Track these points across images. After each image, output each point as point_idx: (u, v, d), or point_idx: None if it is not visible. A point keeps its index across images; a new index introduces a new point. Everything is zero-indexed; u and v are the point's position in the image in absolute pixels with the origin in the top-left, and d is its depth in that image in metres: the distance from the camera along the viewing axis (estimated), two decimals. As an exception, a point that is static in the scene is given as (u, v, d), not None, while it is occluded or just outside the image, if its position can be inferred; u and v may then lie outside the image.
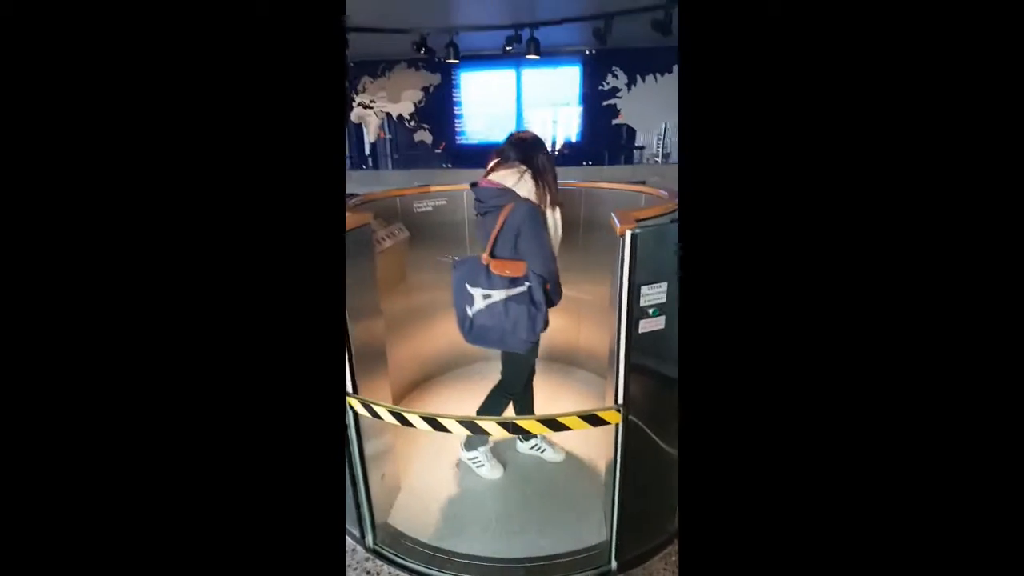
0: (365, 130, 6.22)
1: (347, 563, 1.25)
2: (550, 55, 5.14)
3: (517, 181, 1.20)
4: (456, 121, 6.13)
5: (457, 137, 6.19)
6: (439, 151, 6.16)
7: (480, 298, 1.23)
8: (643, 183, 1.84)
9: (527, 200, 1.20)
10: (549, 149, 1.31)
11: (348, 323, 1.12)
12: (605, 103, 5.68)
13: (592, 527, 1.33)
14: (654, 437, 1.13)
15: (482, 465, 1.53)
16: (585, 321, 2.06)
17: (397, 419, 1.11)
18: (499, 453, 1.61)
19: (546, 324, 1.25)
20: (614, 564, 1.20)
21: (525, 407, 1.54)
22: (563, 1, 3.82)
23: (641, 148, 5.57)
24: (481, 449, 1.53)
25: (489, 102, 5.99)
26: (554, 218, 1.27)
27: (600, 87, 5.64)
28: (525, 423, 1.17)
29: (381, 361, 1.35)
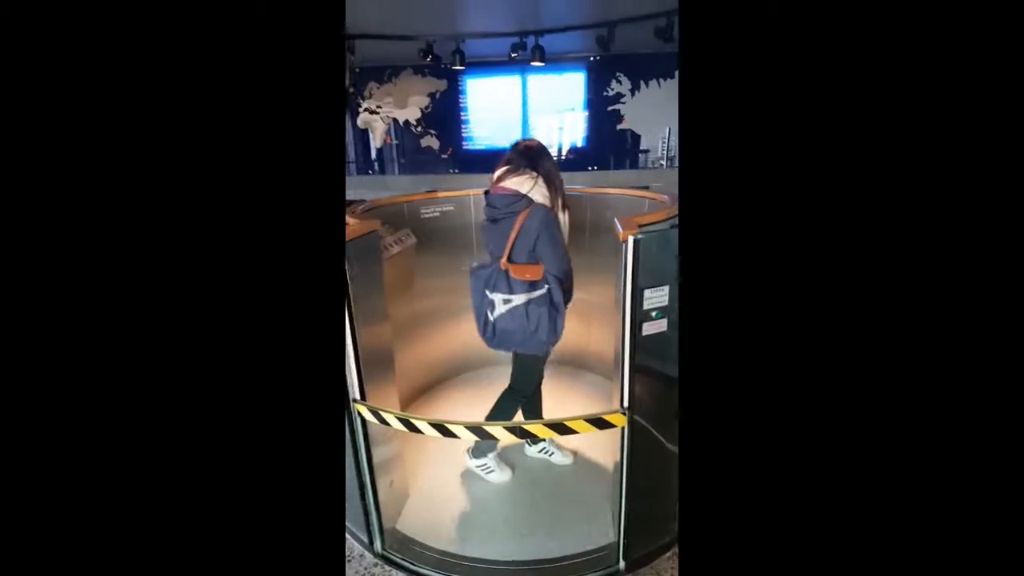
0: (371, 135, 6.30)
1: (356, 569, 1.26)
2: (555, 61, 5.19)
3: (532, 187, 1.23)
4: (463, 127, 6.19)
5: (464, 142, 6.24)
6: (446, 156, 6.22)
7: (501, 303, 1.26)
8: (647, 188, 1.86)
9: (542, 205, 1.24)
10: (555, 154, 1.35)
11: (356, 329, 1.14)
12: (609, 108, 5.71)
13: (600, 528, 1.33)
14: (660, 438, 1.14)
15: (491, 471, 1.54)
16: (594, 324, 2.07)
17: (405, 425, 1.12)
18: (507, 457, 1.62)
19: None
20: (622, 564, 1.21)
21: (534, 411, 1.55)
22: (567, 9, 3.86)
23: (646, 152, 5.59)
24: (490, 455, 1.54)
25: (495, 108, 6.04)
26: (563, 221, 1.31)
27: (604, 93, 5.67)
28: (532, 427, 1.18)
29: (389, 367, 1.36)
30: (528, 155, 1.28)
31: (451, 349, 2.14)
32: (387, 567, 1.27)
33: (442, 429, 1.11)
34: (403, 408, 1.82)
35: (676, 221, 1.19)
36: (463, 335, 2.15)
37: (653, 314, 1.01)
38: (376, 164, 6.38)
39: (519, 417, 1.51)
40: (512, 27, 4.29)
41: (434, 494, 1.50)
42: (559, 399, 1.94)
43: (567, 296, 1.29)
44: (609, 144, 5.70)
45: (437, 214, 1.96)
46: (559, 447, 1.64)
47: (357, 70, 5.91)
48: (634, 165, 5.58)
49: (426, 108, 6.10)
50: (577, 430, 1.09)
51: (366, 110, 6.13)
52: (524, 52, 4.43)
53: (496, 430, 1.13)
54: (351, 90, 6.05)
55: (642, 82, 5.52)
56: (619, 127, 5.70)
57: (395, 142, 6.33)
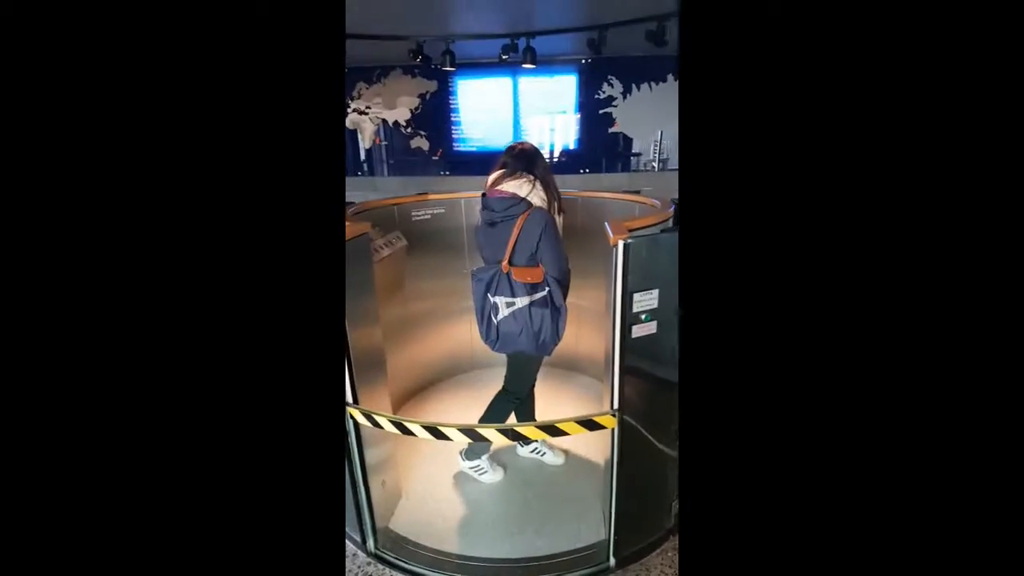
0: (360, 136, 6.25)
1: (349, 568, 1.26)
2: (546, 64, 5.21)
3: (530, 191, 1.25)
4: (453, 128, 6.18)
5: (454, 144, 6.23)
6: (436, 158, 6.21)
7: (504, 306, 1.27)
8: (638, 192, 1.89)
9: (541, 208, 1.25)
10: (547, 157, 1.38)
11: (348, 333, 1.14)
12: (601, 111, 5.75)
13: (591, 526, 1.35)
14: (649, 437, 1.16)
15: (484, 472, 1.56)
16: (585, 327, 2.09)
17: (398, 428, 1.13)
18: (499, 457, 1.64)
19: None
20: (612, 561, 1.23)
21: (527, 413, 1.57)
22: (558, 11, 3.89)
23: (638, 155, 5.65)
24: (483, 457, 1.56)
25: (486, 109, 6.04)
26: (559, 224, 1.33)
27: (596, 96, 5.71)
28: (524, 429, 1.20)
29: (380, 370, 1.37)
30: (524, 158, 1.29)
31: (443, 352, 2.15)
32: (380, 566, 1.27)
33: (435, 432, 1.12)
34: (395, 410, 1.83)
35: (666, 226, 1.22)
36: (454, 338, 2.16)
37: (643, 317, 1.03)
38: (365, 165, 6.34)
39: (512, 419, 1.53)
40: (503, 29, 4.30)
41: (427, 494, 1.51)
42: (551, 401, 1.96)
43: (563, 295, 1.31)
44: (601, 147, 5.75)
45: (428, 217, 1.97)
46: (551, 447, 1.66)
47: (346, 70, 5.87)
48: (626, 168, 5.63)
49: (416, 109, 6.08)
50: (568, 432, 1.11)
51: (355, 110, 6.08)
52: (515, 54, 4.44)
53: (488, 432, 1.15)
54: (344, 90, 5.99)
55: (634, 85, 5.57)
56: (611, 130, 5.75)
57: (384, 143, 6.29)
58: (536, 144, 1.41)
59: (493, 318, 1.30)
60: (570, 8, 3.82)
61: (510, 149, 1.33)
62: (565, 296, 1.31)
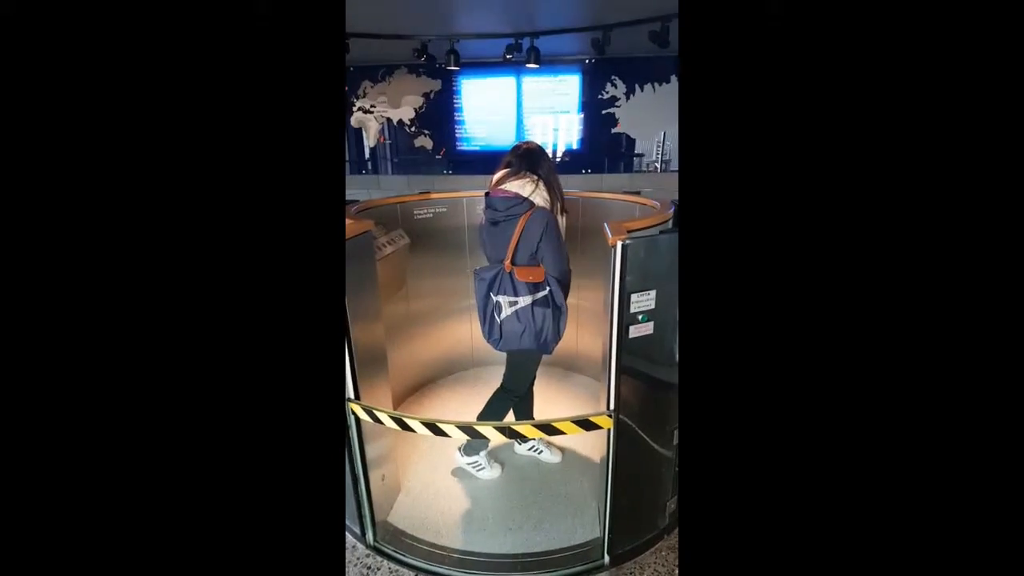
0: (365, 135, 6.28)
1: (348, 559, 1.29)
2: (550, 64, 5.22)
3: (533, 190, 1.26)
4: (457, 127, 6.20)
5: (458, 143, 6.25)
6: (439, 157, 6.23)
7: (507, 305, 1.28)
8: (638, 193, 1.90)
9: (544, 208, 1.26)
10: (550, 157, 1.38)
11: (350, 329, 1.16)
12: (604, 112, 5.76)
13: (587, 524, 1.37)
14: (645, 437, 1.18)
15: (482, 468, 1.58)
16: (584, 327, 2.11)
17: (399, 424, 1.15)
18: (497, 455, 1.66)
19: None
20: (607, 559, 1.25)
21: (526, 412, 1.58)
22: (562, 11, 3.90)
23: (640, 156, 5.65)
24: (481, 453, 1.57)
25: (490, 109, 6.05)
26: (561, 224, 1.34)
27: (599, 96, 5.72)
28: (521, 428, 1.22)
29: (382, 366, 1.39)
30: (528, 158, 1.30)
31: (443, 349, 2.17)
32: (379, 558, 1.29)
33: (434, 428, 1.13)
34: (395, 406, 1.85)
35: (665, 227, 1.23)
36: (455, 335, 2.18)
37: (640, 317, 1.05)
38: (370, 163, 6.37)
39: (511, 417, 1.54)
40: (507, 28, 4.31)
41: (425, 489, 1.53)
42: (551, 400, 1.98)
43: (564, 296, 1.32)
44: (604, 147, 5.76)
45: (430, 215, 1.98)
46: (548, 445, 1.67)
47: (351, 69, 5.90)
48: (629, 169, 5.64)
49: (420, 108, 6.10)
50: (564, 431, 1.13)
51: (360, 109, 6.11)
52: (519, 54, 4.46)
53: (486, 430, 1.17)
54: (345, 88, 6.03)
55: (637, 86, 5.58)
56: (613, 131, 5.75)
57: (388, 142, 6.32)
58: (541, 144, 1.41)
59: (496, 317, 1.31)
60: (574, 8, 3.83)
61: (515, 148, 1.34)
62: (566, 296, 1.32)
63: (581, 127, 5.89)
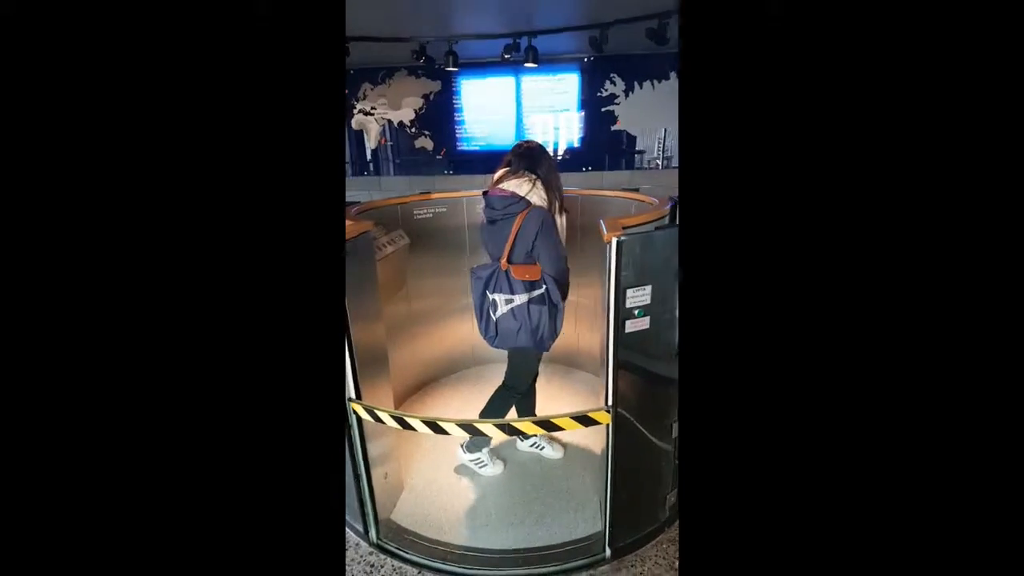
0: (366, 137, 6.32)
1: (351, 557, 1.30)
2: (548, 62, 5.23)
3: (530, 190, 1.27)
4: (457, 127, 6.22)
5: (458, 143, 6.27)
6: (440, 157, 6.25)
7: (503, 303, 1.29)
8: (636, 190, 1.91)
9: (540, 207, 1.27)
10: (551, 156, 1.38)
11: (351, 329, 1.18)
12: (604, 109, 5.76)
13: (589, 518, 1.38)
14: (643, 431, 1.19)
15: (484, 465, 1.59)
16: (585, 323, 2.12)
17: (400, 423, 1.17)
18: (500, 451, 1.67)
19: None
20: (608, 552, 1.26)
21: (528, 408, 1.60)
22: (559, 11, 3.90)
23: (641, 153, 5.65)
24: (484, 450, 1.59)
25: (489, 109, 6.07)
26: (561, 223, 1.34)
27: (599, 94, 5.72)
28: (521, 425, 1.23)
29: (383, 366, 1.40)
30: (528, 157, 1.31)
31: (444, 348, 2.19)
32: (382, 555, 1.31)
33: (435, 427, 1.15)
34: (397, 405, 1.86)
35: (661, 223, 1.24)
36: (456, 334, 2.20)
37: (636, 312, 1.06)
38: (371, 165, 6.41)
39: (513, 414, 1.55)
40: (505, 28, 4.33)
41: (428, 487, 1.55)
42: (553, 396, 1.99)
43: (564, 295, 1.33)
44: (603, 145, 5.76)
45: (430, 215, 2.00)
46: (550, 442, 1.68)
47: (351, 72, 5.93)
48: (630, 166, 5.64)
49: (420, 109, 6.13)
50: (563, 427, 1.14)
51: (360, 111, 6.14)
52: (517, 53, 4.47)
53: (486, 427, 1.18)
54: (345, 91, 6.06)
55: (636, 83, 5.58)
56: (613, 128, 5.75)
57: (389, 143, 6.35)
58: (541, 143, 1.42)
59: (492, 315, 1.32)
60: (571, 7, 3.83)
61: (516, 147, 1.35)
62: (565, 295, 1.33)
63: (581, 125, 5.89)
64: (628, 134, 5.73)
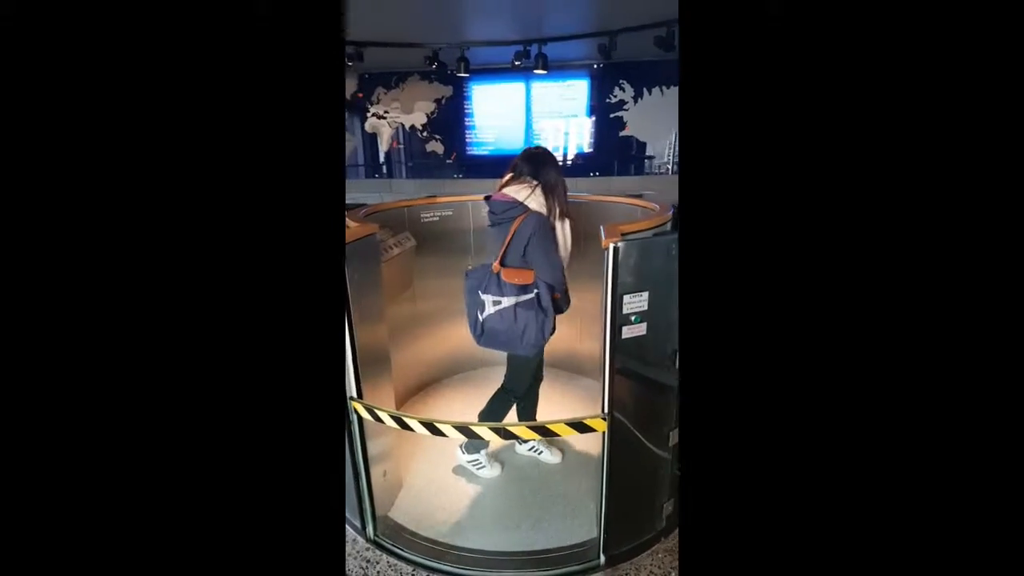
0: (379, 140, 6.43)
1: (348, 552, 1.32)
2: (558, 69, 5.27)
3: (528, 195, 1.29)
4: (467, 132, 6.28)
5: (468, 148, 6.33)
6: (450, 161, 6.32)
7: (491, 304, 1.32)
8: (640, 196, 1.91)
9: (537, 213, 1.29)
10: (560, 160, 1.40)
11: (354, 329, 1.20)
12: (612, 115, 5.77)
13: (585, 524, 1.38)
14: (641, 438, 1.19)
15: (482, 467, 1.60)
16: (587, 330, 2.12)
17: (398, 423, 1.19)
18: (498, 454, 1.68)
19: (553, 329, 1.33)
20: (602, 559, 1.26)
21: (529, 412, 1.60)
22: (570, 18, 3.94)
23: (651, 158, 5.65)
24: (482, 452, 1.60)
25: (499, 114, 6.13)
26: (563, 230, 1.35)
27: (608, 100, 5.74)
28: (516, 429, 1.24)
29: (385, 365, 1.42)
30: (532, 162, 1.33)
31: (448, 349, 2.20)
32: (378, 552, 1.33)
33: (432, 428, 1.17)
34: (400, 404, 1.89)
35: (661, 229, 1.25)
36: (460, 335, 2.21)
37: (632, 318, 1.06)
38: (384, 167, 6.51)
39: (513, 417, 1.56)
40: (516, 35, 4.37)
41: (426, 486, 1.56)
42: (555, 402, 1.99)
43: (562, 304, 1.34)
44: (612, 150, 5.78)
45: (436, 218, 2.03)
46: (548, 446, 1.69)
47: (366, 76, 6.04)
48: (639, 171, 5.65)
49: (432, 114, 6.21)
50: (559, 433, 1.15)
51: (374, 115, 6.25)
52: (528, 60, 4.51)
53: (482, 431, 1.19)
54: (360, 95, 6.18)
55: (644, 89, 5.59)
56: (621, 134, 5.76)
57: (401, 146, 6.45)
58: (550, 148, 1.44)
59: (479, 315, 1.35)
60: (581, 15, 3.87)
61: (523, 153, 1.37)
62: (566, 303, 1.34)
63: (591, 130, 5.91)
64: (637, 140, 5.73)
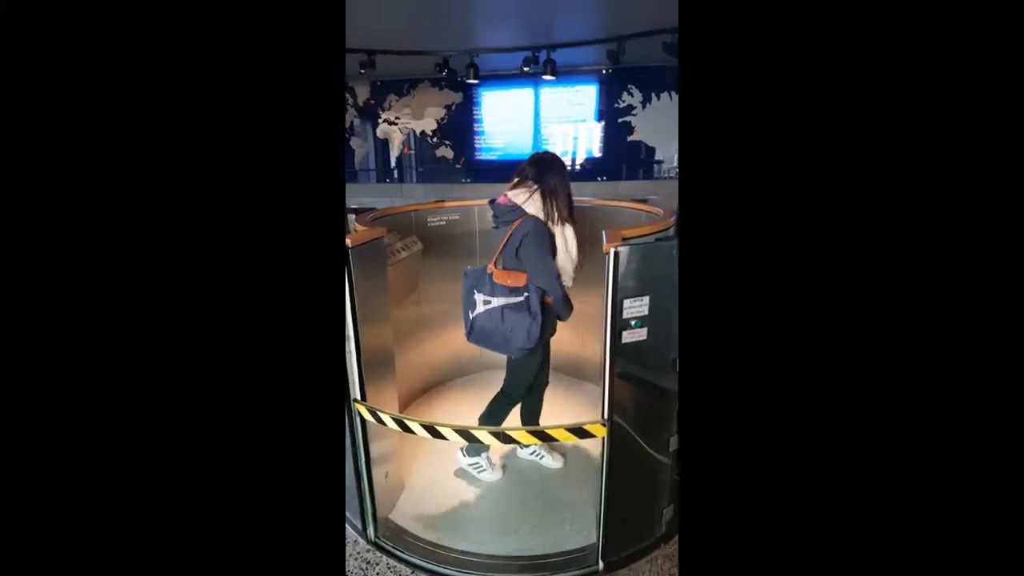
0: (390, 145, 6.53)
1: (349, 553, 1.33)
2: (567, 74, 5.30)
3: (526, 199, 1.31)
4: (476, 137, 6.34)
5: (477, 153, 6.39)
6: (459, 166, 6.38)
7: (481, 303, 1.35)
8: (644, 201, 1.91)
9: (534, 217, 1.31)
10: (568, 165, 1.42)
11: (359, 331, 1.22)
12: (621, 120, 5.78)
13: (584, 529, 1.37)
14: (641, 443, 1.18)
15: (483, 470, 1.60)
16: (591, 335, 2.11)
17: (399, 426, 1.20)
18: (499, 458, 1.68)
19: (553, 332, 1.33)
20: (601, 565, 1.25)
21: (531, 416, 1.61)
22: (578, 25, 3.97)
23: (660, 163, 5.64)
24: (483, 455, 1.60)
25: (508, 119, 6.18)
26: (564, 235, 1.35)
27: (616, 105, 5.75)
28: (516, 434, 1.24)
29: (389, 368, 1.44)
30: (537, 167, 1.35)
31: (452, 352, 2.22)
32: (379, 553, 1.34)
33: (432, 431, 1.18)
34: (402, 408, 1.90)
35: (663, 235, 1.25)
36: (463, 339, 2.21)
37: (632, 323, 1.06)
38: (395, 172, 6.61)
39: (515, 421, 1.57)
40: (525, 42, 4.42)
41: (427, 489, 1.57)
42: (559, 407, 1.99)
43: (562, 312, 1.35)
44: (621, 155, 5.78)
45: (443, 223, 2.05)
46: (550, 451, 1.68)
47: (378, 83, 6.15)
48: (648, 176, 5.64)
49: (442, 120, 6.29)
50: (558, 439, 1.15)
51: (385, 121, 6.35)
52: (536, 66, 4.55)
53: (482, 435, 1.20)
54: (372, 102, 6.29)
55: (652, 94, 5.59)
56: (630, 138, 5.76)
57: (412, 152, 6.54)
58: (558, 153, 1.46)
59: (470, 313, 1.38)
60: (589, 21, 3.89)
61: (531, 157, 1.40)
62: (567, 310, 1.35)
63: (600, 135, 5.92)
64: (646, 145, 5.73)
